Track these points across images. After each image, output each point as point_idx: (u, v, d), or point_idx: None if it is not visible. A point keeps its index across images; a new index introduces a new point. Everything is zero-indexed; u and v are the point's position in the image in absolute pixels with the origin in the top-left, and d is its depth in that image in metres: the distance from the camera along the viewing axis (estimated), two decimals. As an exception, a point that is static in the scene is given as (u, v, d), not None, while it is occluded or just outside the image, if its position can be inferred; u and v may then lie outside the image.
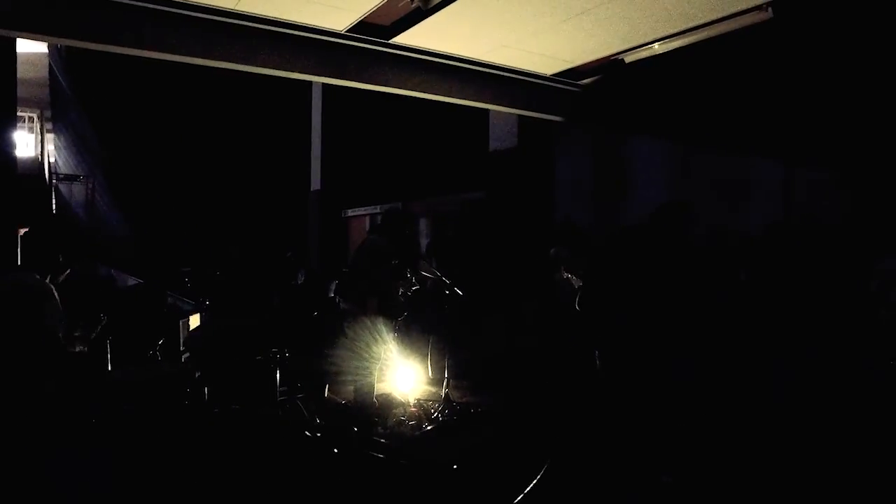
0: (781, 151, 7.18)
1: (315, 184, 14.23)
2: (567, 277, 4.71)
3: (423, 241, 10.40)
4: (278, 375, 4.76)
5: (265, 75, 4.82)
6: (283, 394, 5.06)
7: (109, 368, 4.12)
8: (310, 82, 13.99)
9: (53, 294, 3.75)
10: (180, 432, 3.94)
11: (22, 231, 4.87)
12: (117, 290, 6.60)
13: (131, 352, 4.39)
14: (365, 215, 12.50)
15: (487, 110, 8.29)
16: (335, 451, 4.27)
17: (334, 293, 8.79)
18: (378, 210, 11.80)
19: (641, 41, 4.80)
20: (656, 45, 4.95)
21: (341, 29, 4.69)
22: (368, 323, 5.33)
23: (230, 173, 14.26)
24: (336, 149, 13.77)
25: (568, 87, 5.71)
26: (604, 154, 8.98)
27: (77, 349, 3.90)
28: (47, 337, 3.64)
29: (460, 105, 5.49)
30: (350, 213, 13.05)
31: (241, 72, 4.73)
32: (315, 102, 14.31)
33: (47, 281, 3.81)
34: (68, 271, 4.07)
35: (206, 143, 14.09)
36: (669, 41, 4.84)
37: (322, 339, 5.91)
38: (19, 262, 4.72)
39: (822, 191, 7.27)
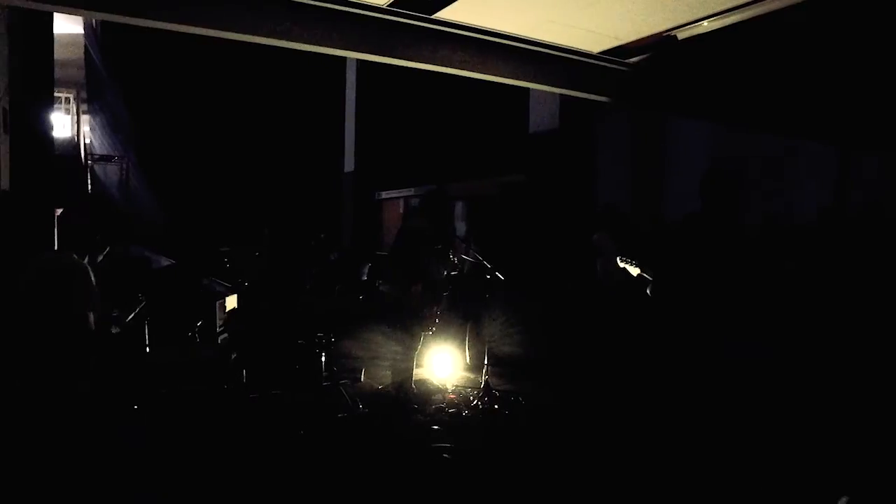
0: (839, 136, 6.84)
1: (349, 165, 14.12)
2: (622, 267, 4.50)
3: (460, 225, 10.23)
4: (323, 359, 4.65)
5: (300, 53, 4.64)
6: (325, 379, 4.95)
7: (148, 350, 4.06)
8: (344, 63, 13.85)
9: (88, 274, 3.66)
10: (220, 417, 3.86)
11: (59, 211, 4.82)
12: (152, 271, 6.56)
13: (170, 334, 4.31)
14: (399, 198, 12.35)
15: (527, 90, 8.04)
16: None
17: (368, 276, 8.69)
18: (413, 193, 11.65)
19: (700, 15, 4.52)
20: (705, 23, 4.65)
21: (383, 3, 4.50)
22: (408, 308, 5.20)
23: (264, 154, 14.23)
24: (370, 129, 13.61)
25: (615, 66, 5.43)
26: (645, 137, 8.71)
27: (113, 331, 3.81)
28: (77, 318, 3.54)
29: (498, 84, 5.25)
30: (384, 195, 12.92)
31: (276, 50, 4.55)
32: (349, 82, 14.15)
33: (85, 261, 3.73)
34: (107, 251, 3.99)
35: (240, 123, 14.06)
36: (725, 16, 4.55)
37: (360, 323, 5.80)
38: (56, 243, 4.68)
39: (882, 179, 6.94)
